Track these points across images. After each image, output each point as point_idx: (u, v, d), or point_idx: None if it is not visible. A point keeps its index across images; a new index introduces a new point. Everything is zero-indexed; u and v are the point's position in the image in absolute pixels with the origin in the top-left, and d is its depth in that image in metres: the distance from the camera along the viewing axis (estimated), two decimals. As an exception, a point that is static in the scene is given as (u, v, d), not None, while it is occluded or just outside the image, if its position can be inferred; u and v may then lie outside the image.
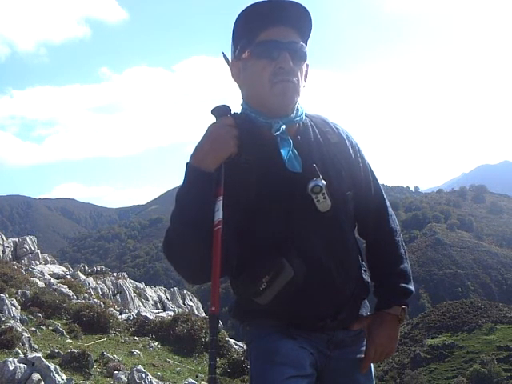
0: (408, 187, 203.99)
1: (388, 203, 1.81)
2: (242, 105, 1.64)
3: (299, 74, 1.57)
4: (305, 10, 1.54)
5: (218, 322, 1.46)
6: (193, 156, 1.48)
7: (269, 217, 1.54)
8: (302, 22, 1.57)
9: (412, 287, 1.74)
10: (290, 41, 1.54)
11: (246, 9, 1.54)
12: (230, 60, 1.64)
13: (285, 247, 1.53)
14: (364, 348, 1.75)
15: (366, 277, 1.78)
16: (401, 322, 1.73)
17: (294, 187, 1.56)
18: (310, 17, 1.56)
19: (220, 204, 1.45)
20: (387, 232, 1.78)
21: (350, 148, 1.71)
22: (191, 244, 1.44)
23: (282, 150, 1.55)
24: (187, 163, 1.48)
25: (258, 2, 1.52)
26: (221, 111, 1.56)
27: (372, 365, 1.77)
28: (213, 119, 1.56)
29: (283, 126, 1.56)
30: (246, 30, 1.55)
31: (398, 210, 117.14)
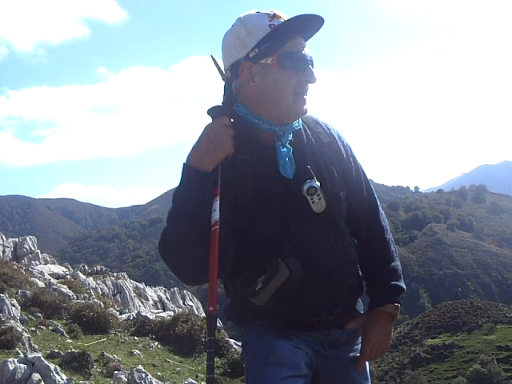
0: (408, 187, 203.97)
1: (378, 202, 1.84)
2: (238, 107, 1.62)
3: None
4: (322, 25, 1.59)
5: (216, 322, 1.47)
6: (190, 156, 1.48)
7: (265, 218, 1.56)
8: (313, 34, 1.63)
9: (403, 285, 1.77)
10: (311, 56, 1.60)
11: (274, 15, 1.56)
12: (236, 60, 1.59)
13: (281, 248, 1.55)
14: (358, 346, 1.76)
15: (360, 274, 1.80)
16: (394, 319, 1.75)
17: (290, 189, 1.58)
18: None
19: (217, 204, 1.45)
20: (378, 231, 1.80)
21: (341, 148, 1.73)
22: (188, 244, 1.44)
23: (279, 156, 1.58)
24: (184, 163, 1.48)
25: (297, 16, 1.54)
26: (217, 112, 1.57)
27: (367, 363, 1.78)
28: (209, 120, 1.57)
29: (290, 137, 1.60)
30: (271, 36, 1.54)
31: (397, 210, 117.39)
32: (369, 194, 1.80)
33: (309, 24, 1.57)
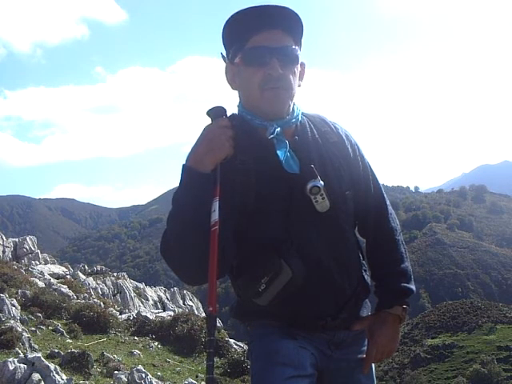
0: (408, 187, 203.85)
1: (388, 202, 1.81)
2: (238, 106, 1.64)
3: (291, 77, 1.57)
4: (292, 12, 1.54)
5: (216, 323, 1.46)
6: (189, 157, 1.47)
7: (267, 218, 1.54)
8: (291, 24, 1.56)
9: (413, 287, 1.74)
10: (280, 46, 1.53)
11: (235, 14, 1.55)
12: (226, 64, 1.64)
13: (284, 248, 1.53)
14: (365, 348, 1.75)
15: (367, 276, 1.78)
16: (402, 321, 1.73)
17: (293, 188, 1.55)
18: (299, 18, 1.56)
19: (216, 205, 1.44)
20: (387, 231, 1.77)
21: (349, 147, 1.70)
22: (188, 245, 1.43)
23: (278, 152, 1.55)
24: (183, 164, 1.47)
25: (246, 8, 1.53)
26: (216, 112, 1.56)
27: (373, 365, 1.77)
28: (208, 120, 1.56)
29: (278, 129, 1.56)
30: (237, 34, 1.55)
31: (398, 210, 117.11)
32: (377, 194, 1.77)
33: (267, 15, 1.52)
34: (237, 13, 1.54)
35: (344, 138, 1.71)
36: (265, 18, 1.52)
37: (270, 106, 1.55)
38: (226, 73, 1.64)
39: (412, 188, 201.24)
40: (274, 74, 1.52)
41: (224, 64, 1.65)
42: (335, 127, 1.72)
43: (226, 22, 1.57)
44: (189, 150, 1.50)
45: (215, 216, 1.43)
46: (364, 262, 1.79)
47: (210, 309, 1.42)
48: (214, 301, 1.42)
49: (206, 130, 1.51)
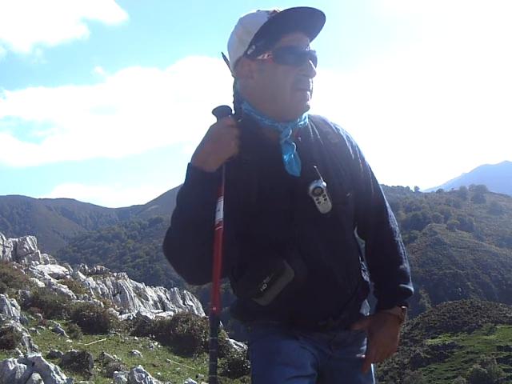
0: (408, 187, 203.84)
1: (387, 204, 1.82)
2: (245, 105, 1.61)
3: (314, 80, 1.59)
4: (324, 20, 1.55)
5: (219, 322, 1.45)
6: (194, 156, 1.47)
7: (269, 218, 1.54)
8: (317, 31, 1.59)
9: (412, 287, 1.75)
10: (310, 49, 1.56)
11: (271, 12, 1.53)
12: (236, 58, 1.59)
13: (286, 248, 1.53)
14: (365, 348, 1.75)
15: (366, 277, 1.78)
16: (401, 322, 1.74)
17: (295, 189, 1.56)
18: (324, 23, 1.57)
19: (221, 204, 1.44)
20: (387, 233, 1.78)
21: (350, 149, 1.71)
22: (192, 244, 1.43)
23: (284, 155, 1.56)
24: (188, 163, 1.47)
25: (289, 8, 1.51)
26: (222, 111, 1.55)
27: (372, 365, 1.77)
28: (214, 119, 1.55)
29: (290, 132, 1.57)
30: (267, 31, 1.52)
31: (398, 210, 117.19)
32: (377, 196, 1.78)
33: (306, 17, 1.52)
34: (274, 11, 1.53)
35: (345, 139, 1.71)
36: (301, 20, 1.52)
37: (298, 106, 1.55)
38: (236, 67, 1.59)
39: (412, 188, 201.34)
40: (311, 75, 1.55)
41: (224, 63, 1.64)
42: (336, 128, 1.72)
43: (254, 15, 1.55)
44: (189, 149, 1.51)
45: (220, 215, 1.43)
46: (363, 262, 1.79)
47: (214, 308, 1.41)
48: (217, 300, 1.41)
49: (212, 129, 1.50)
